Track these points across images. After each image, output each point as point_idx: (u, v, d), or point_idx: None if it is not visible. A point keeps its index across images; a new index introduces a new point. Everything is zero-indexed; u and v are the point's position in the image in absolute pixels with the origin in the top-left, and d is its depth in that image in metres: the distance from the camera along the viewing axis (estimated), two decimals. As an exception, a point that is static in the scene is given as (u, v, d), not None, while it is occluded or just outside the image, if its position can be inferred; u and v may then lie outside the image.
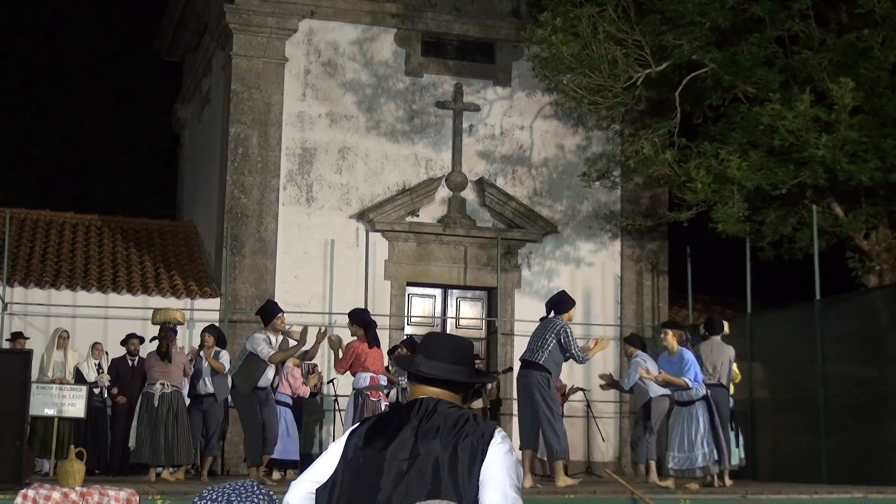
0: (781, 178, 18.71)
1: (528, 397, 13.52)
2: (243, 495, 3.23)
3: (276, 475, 15.40)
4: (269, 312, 13.93)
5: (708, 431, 14.00)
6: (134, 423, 14.84)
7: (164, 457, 14.40)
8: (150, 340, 16.16)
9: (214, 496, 3.22)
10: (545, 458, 15.24)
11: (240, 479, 3.28)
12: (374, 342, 14.26)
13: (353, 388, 14.35)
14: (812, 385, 17.50)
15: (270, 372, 13.80)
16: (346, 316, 14.95)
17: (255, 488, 3.27)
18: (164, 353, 14.65)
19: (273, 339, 13.75)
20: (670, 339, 14.30)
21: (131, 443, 14.90)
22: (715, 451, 13.96)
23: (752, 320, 19.11)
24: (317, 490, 4.13)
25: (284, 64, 21.48)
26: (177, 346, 15.01)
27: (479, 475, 3.98)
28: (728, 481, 14.67)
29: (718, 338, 15.19)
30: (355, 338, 14.34)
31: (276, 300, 16.23)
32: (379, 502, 4.01)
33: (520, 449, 13.65)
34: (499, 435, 4.09)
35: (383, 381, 14.55)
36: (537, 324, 13.92)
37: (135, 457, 14.84)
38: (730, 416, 15.19)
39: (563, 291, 14.47)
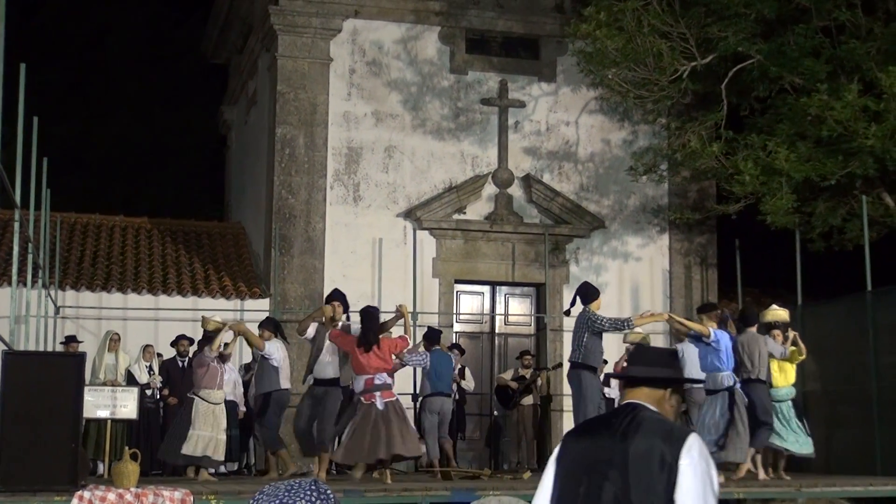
0: (830, 168, 18.58)
1: (573, 393, 13.71)
2: (292, 491, 3.28)
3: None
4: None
5: (719, 423, 13.91)
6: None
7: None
8: (196, 343, 16.31)
9: (270, 491, 3.30)
10: None
11: (298, 479, 3.33)
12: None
13: (353, 392, 14.12)
14: (865, 377, 17.38)
15: None
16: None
17: (308, 485, 3.32)
18: None
19: None
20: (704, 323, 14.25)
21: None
22: (714, 444, 13.82)
23: (804, 312, 18.93)
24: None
25: (329, 64, 21.54)
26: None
27: (668, 489, 4.03)
28: (761, 472, 14.53)
29: (754, 329, 14.96)
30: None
31: (328, 299, 14.90)
32: None
33: None
34: (687, 451, 4.09)
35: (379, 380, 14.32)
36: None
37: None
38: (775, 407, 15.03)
39: (587, 282, 14.41)
